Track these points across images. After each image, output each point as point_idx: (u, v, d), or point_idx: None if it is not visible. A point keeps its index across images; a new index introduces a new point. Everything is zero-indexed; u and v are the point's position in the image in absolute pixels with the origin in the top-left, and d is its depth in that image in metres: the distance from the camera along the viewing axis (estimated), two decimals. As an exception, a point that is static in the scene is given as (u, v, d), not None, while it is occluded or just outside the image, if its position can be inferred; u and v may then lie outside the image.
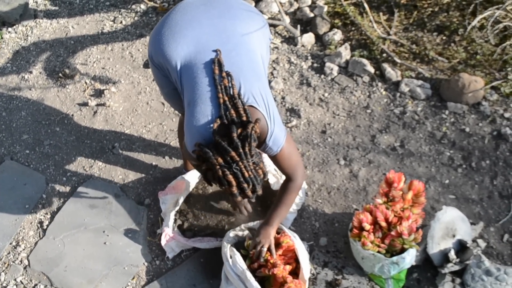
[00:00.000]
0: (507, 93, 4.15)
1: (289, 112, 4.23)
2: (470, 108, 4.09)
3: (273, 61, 4.56)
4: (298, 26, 4.75)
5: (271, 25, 4.80)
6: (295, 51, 4.65)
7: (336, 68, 4.51)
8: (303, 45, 4.72)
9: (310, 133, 4.11)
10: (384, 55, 4.52)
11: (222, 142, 2.14)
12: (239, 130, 2.18)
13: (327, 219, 3.55)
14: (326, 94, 4.36)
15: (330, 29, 4.78)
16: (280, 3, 4.87)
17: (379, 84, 4.43)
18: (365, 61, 4.46)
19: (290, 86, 4.41)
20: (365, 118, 4.21)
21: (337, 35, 4.67)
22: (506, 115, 4.00)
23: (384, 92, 4.36)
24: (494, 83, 4.15)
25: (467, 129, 3.96)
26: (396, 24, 4.74)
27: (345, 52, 4.56)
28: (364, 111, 4.25)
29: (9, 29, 5.17)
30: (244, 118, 2.23)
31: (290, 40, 4.76)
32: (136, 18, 5.14)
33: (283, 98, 4.32)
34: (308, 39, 4.73)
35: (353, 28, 4.78)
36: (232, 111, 2.24)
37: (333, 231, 3.48)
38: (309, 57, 4.62)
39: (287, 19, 4.80)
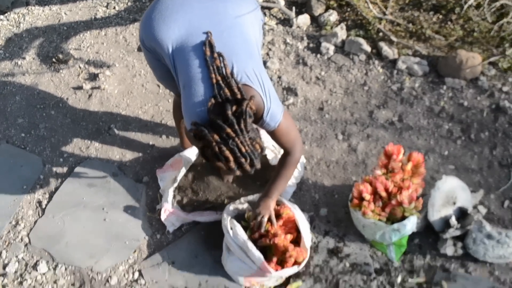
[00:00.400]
0: (505, 68, 4.15)
1: (285, 91, 4.22)
2: (468, 83, 4.09)
3: (269, 42, 4.55)
4: (293, 8, 4.74)
5: (266, 7, 4.79)
6: (291, 32, 4.64)
7: (332, 48, 4.50)
8: (298, 26, 4.71)
9: (307, 110, 4.09)
10: (381, 34, 4.52)
11: (217, 120, 2.17)
12: (233, 108, 2.21)
13: (327, 191, 3.53)
14: (322, 73, 4.35)
15: (326, 10, 4.78)
16: (275, -14, 4.87)
17: (376, 62, 4.42)
18: (361, 40, 4.45)
19: (286, 66, 4.40)
20: (362, 95, 4.20)
21: (333, 16, 4.66)
22: (504, 89, 4.00)
23: (381, 70, 4.35)
24: (492, 59, 4.15)
25: (466, 103, 3.95)
26: (392, 4, 4.74)
27: (341, 32, 4.55)
28: (362, 88, 4.24)
29: (1, 16, 5.13)
30: (239, 96, 2.25)
31: (286, 22, 4.75)
32: (129, 3, 5.11)
33: (279, 77, 4.30)
34: (304, 20, 4.72)
35: (348, 9, 4.78)
36: (226, 90, 2.26)
37: (333, 202, 3.46)
38: (305, 38, 4.61)
39: (281, 1, 4.79)
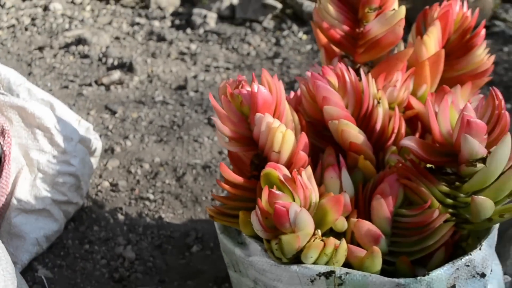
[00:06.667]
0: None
1: (111, 70, 1.99)
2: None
3: (104, 24, 2.45)
4: (153, -13, 2.76)
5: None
6: (145, 14, 2.59)
7: (214, 17, 2.44)
8: (159, 7, 2.68)
9: (151, 90, 1.84)
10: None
11: None
12: None
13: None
14: (193, 47, 2.21)
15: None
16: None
17: (294, 25, 2.34)
18: (262, -6, 2.42)
19: (125, 42, 2.25)
20: (271, 68, 2.02)
21: (217, -13, 2.68)
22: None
23: (304, 36, 2.26)
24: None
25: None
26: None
27: (229, -5, 2.54)
28: (271, 61, 2.08)
29: None
30: None
31: (143, 7, 2.72)
32: None
33: (103, 53, 2.11)
34: (168, -2, 2.71)
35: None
36: None
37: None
38: (168, 16, 2.55)
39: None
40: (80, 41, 2.21)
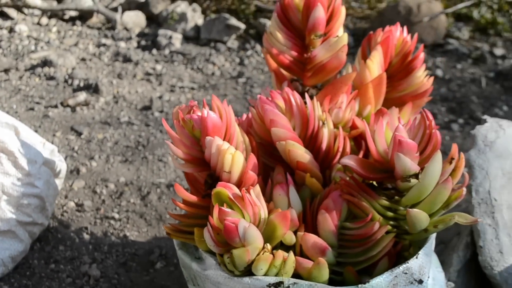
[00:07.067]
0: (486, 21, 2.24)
1: (77, 91, 2.02)
2: (430, 50, 2.09)
3: (70, 45, 2.47)
4: (119, 8, 2.81)
5: (81, 17, 2.84)
6: (112, 34, 2.63)
7: (179, 38, 2.49)
8: (125, 28, 2.72)
9: (116, 111, 1.88)
10: (260, 13, 2.60)
11: None
12: None
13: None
14: (158, 67, 2.25)
15: (172, 4, 2.88)
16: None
17: (257, 45, 2.42)
18: (227, 15, 2.49)
19: (91, 64, 2.28)
20: (235, 88, 2.09)
21: (181, 7, 2.74)
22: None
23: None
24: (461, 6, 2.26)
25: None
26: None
27: (194, 15, 2.60)
28: (235, 81, 2.15)
29: None
30: None
31: (106, 26, 2.76)
32: None
33: (68, 74, 2.14)
34: (134, 19, 2.77)
35: (208, 1, 2.91)
36: None
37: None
38: (134, 37, 2.60)
39: (100, 5, 2.87)
40: (46, 62, 2.24)
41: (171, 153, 0.76)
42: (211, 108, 0.75)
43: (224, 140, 0.75)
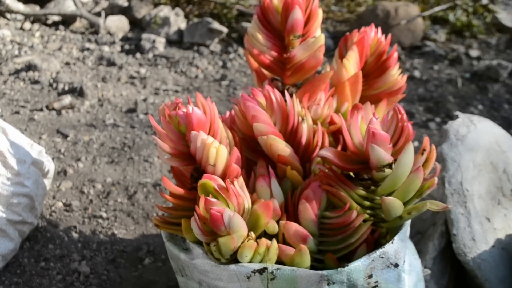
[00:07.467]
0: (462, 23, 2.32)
1: (62, 95, 2.05)
2: (408, 53, 2.15)
3: (54, 50, 2.49)
4: (103, 13, 2.84)
5: (64, 21, 2.86)
6: (95, 39, 2.65)
7: (162, 41, 2.53)
8: (109, 32, 2.75)
9: (102, 113, 1.91)
10: (242, 17, 2.65)
11: None
12: None
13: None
14: (142, 71, 2.29)
15: (155, 8, 2.91)
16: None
17: (240, 49, 2.47)
18: (209, 19, 2.54)
19: (75, 67, 2.30)
20: (219, 90, 2.13)
21: (164, 12, 2.77)
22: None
23: (249, 59, 2.37)
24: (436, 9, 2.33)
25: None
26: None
27: (177, 19, 2.64)
28: (218, 83, 2.19)
29: None
30: None
31: (93, 33, 2.79)
32: None
33: (53, 78, 2.17)
34: (118, 23, 2.79)
35: (190, 6, 2.95)
36: None
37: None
38: (117, 41, 2.63)
39: (83, 10, 2.89)
40: (30, 67, 2.26)
41: (158, 148, 0.80)
42: (195, 105, 0.79)
43: (208, 134, 0.79)
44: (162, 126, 0.79)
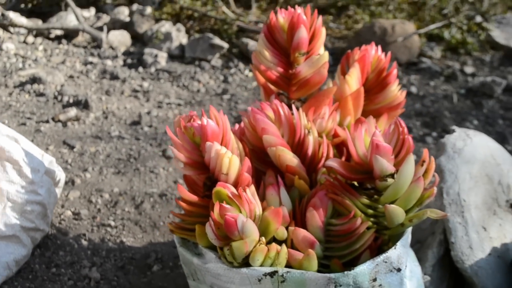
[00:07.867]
0: (456, 41, 2.39)
1: (67, 107, 2.10)
2: (404, 69, 2.22)
3: (57, 63, 2.54)
4: (105, 27, 2.90)
5: (66, 35, 2.92)
6: (97, 53, 2.71)
7: (164, 56, 2.59)
8: (111, 47, 2.80)
9: (107, 125, 1.96)
10: (242, 33, 2.71)
11: None
12: None
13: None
14: (145, 84, 2.34)
15: (156, 24, 2.98)
16: (83, 16, 3.07)
17: (240, 64, 2.53)
18: (210, 35, 2.60)
19: (79, 81, 2.35)
20: (220, 104, 2.19)
21: (166, 27, 2.84)
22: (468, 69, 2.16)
23: (250, 74, 2.44)
24: (432, 27, 2.40)
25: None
26: (254, 10, 3.06)
27: (178, 34, 2.70)
28: (220, 97, 2.24)
29: None
30: None
31: (92, 45, 2.84)
32: None
33: (58, 91, 2.22)
34: (120, 38, 2.85)
35: (191, 21, 3.02)
36: None
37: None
38: (120, 56, 2.68)
39: (85, 24, 2.95)
40: (35, 79, 2.30)
41: (174, 157, 0.84)
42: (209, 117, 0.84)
43: (221, 145, 0.84)
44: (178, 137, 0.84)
